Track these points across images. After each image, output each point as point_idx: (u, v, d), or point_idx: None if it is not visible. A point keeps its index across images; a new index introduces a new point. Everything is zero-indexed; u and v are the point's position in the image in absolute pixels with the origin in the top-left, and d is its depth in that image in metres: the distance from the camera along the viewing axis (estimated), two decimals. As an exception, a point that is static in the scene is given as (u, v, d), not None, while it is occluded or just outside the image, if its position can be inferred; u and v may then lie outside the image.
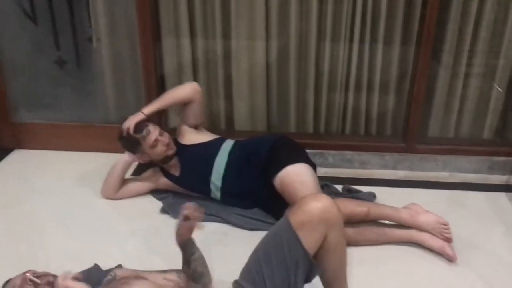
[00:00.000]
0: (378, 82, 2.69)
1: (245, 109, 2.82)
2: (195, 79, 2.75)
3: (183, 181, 2.40)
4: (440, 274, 1.95)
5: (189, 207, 1.62)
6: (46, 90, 2.88)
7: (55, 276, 1.48)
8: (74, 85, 2.87)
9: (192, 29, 2.66)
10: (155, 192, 2.48)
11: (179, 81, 2.69)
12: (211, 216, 2.26)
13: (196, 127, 2.48)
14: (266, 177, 2.24)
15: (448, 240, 2.05)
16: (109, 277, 1.61)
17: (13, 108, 2.90)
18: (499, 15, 2.51)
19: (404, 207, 2.14)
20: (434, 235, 2.06)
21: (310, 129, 2.83)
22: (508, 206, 2.42)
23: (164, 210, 2.36)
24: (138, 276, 1.61)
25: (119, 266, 1.89)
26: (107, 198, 2.44)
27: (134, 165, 2.61)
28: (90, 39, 2.74)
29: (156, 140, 2.30)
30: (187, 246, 1.68)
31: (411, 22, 2.56)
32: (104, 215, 2.35)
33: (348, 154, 2.73)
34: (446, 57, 2.61)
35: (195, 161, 2.37)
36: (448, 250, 2.02)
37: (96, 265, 1.93)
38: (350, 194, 2.46)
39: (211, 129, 2.62)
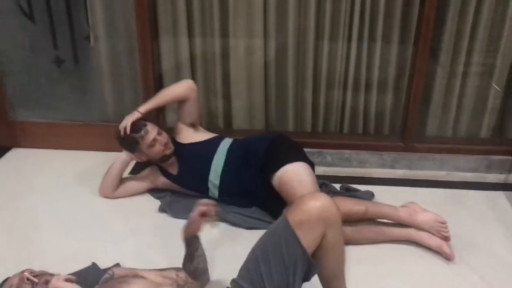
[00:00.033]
0: (376, 80, 2.69)
1: (243, 107, 2.82)
2: (193, 77, 2.75)
3: (181, 179, 2.40)
4: (438, 273, 1.96)
5: (206, 203, 1.61)
6: (44, 88, 2.88)
7: (52, 275, 1.48)
8: (72, 84, 2.87)
9: (190, 28, 2.66)
10: (153, 191, 2.48)
11: (177, 80, 2.68)
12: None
13: (192, 125, 2.48)
14: (264, 175, 2.23)
15: (446, 238, 2.06)
16: (107, 275, 1.61)
17: (11, 107, 2.90)
18: (497, 14, 2.51)
19: (402, 206, 2.14)
20: (432, 233, 2.06)
21: (308, 127, 2.83)
22: (506, 204, 2.43)
23: (162, 209, 2.35)
24: (136, 274, 1.61)
25: (117, 265, 1.89)
26: (105, 197, 2.43)
27: (132, 164, 2.61)
28: (87, 38, 2.74)
29: (154, 140, 2.29)
30: (193, 241, 1.68)
31: (409, 21, 2.56)
32: (102, 214, 2.35)
33: (346, 153, 2.73)
34: (444, 56, 2.61)
35: (193, 160, 2.37)
36: (446, 248, 2.02)
37: (94, 264, 1.93)
38: (348, 193, 2.46)
39: (209, 127, 2.62)
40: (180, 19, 2.62)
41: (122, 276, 1.57)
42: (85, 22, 2.70)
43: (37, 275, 1.47)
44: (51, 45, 2.76)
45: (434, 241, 2.05)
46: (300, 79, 2.73)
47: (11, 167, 2.78)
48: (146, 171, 2.50)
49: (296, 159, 2.22)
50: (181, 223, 2.21)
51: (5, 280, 1.52)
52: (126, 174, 2.51)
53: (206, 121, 2.84)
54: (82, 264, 1.91)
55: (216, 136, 2.45)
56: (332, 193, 2.44)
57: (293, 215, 1.45)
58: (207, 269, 1.77)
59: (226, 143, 2.40)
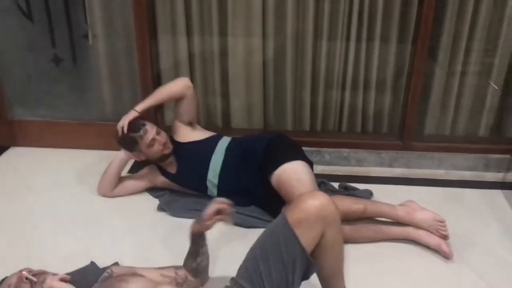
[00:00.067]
0: (374, 80, 2.69)
1: (241, 107, 2.82)
2: (192, 76, 2.74)
3: (180, 178, 2.40)
4: (437, 271, 1.96)
5: (223, 202, 1.61)
6: (42, 87, 2.87)
7: (50, 274, 1.48)
8: (70, 83, 2.86)
9: (188, 27, 2.65)
10: (152, 190, 2.48)
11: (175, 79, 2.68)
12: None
13: (190, 123, 2.47)
14: (262, 174, 2.23)
15: (445, 237, 2.06)
16: (105, 274, 1.61)
17: (9, 106, 2.89)
18: (495, 14, 2.51)
19: (401, 205, 2.15)
20: (430, 232, 2.07)
21: (307, 126, 2.83)
22: (504, 203, 2.43)
23: (160, 208, 2.35)
24: (134, 273, 1.61)
25: (116, 264, 1.89)
26: (103, 195, 2.43)
27: (131, 163, 2.60)
28: (86, 36, 2.73)
29: (153, 140, 2.29)
30: (200, 238, 1.69)
31: (407, 21, 2.56)
32: (100, 212, 2.34)
33: (345, 151, 2.73)
34: (443, 55, 2.61)
35: (191, 159, 2.37)
36: (444, 247, 2.02)
37: (92, 263, 1.92)
38: (347, 191, 2.46)
39: (207, 126, 2.62)
40: (179, 18, 2.62)
41: (121, 275, 1.57)
42: (84, 21, 2.69)
43: (36, 274, 1.47)
44: (49, 44, 2.75)
45: (432, 240, 2.05)
46: (298, 78, 2.73)
47: (9, 166, 2.77)
48: (144, 170, 2.50)
49: (294, 158, 2.22)
50: (179, 221, 2.25)
51: (3, 280, 1.51)
52: (124, 173, 2.51)
53: (205, 120, 2.84)
54: (80, 263, 1.91)
55: (214, 135, 2.45)
56: (330, 191, 2.44)
57: (292, 214, 1.45)
58: (208, 268, 1.77)
59: (224, 142, 2.40)
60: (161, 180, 2.43)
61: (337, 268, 1.58)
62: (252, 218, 2.24)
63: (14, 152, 2.91)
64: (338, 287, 1.61)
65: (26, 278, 1.44)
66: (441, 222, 2.07)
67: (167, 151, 2.34)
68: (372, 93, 2.73)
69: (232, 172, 2.31)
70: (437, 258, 2.03)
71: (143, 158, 2.37)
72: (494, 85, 2.66)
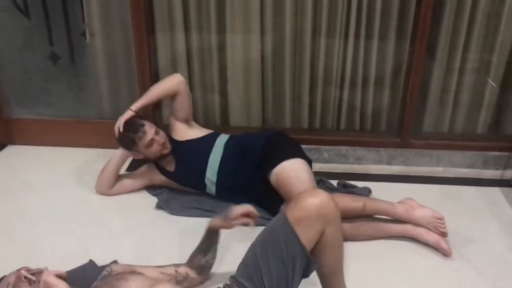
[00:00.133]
0: (373, 77, 2.69)
1: (240, 104, 2.81)
2: (190, 74, 2.74)
3: (178, 176, 2.39)
4: (436, 268, 1.96)
5: (251, 207, 1.64)
6: (39, 85, 2.86)
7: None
8: (68, 81, 2.85)
9: (186, 24, 2.65)
10: (150, 188, 2.47)
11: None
12: (206, 212, 2.26)
13: (186, 121, 2.46)
14: (261, 172, 2.23)
15: (443, 234, 2.06)
16: (104, 272, 1.61)
17: (6, 104, 2.88)
18: (493, 11, 2.51)
19: (400, 202, 2.15)
20: (429, 229, 2.07)
21: (305, 124, 2.83)
22: (502, 200, 2.44)
23: (159, 206, 2.35)
24: (133, 271, 1.61)
25: (115, 262, 1.88)
26: (102, 194, 2.43)
27: (129, 161, 2.60)
28: (83, 34, 2.72)
29: (152, 140, 2.28)
30: (216, 235, 1.71)
31: (406, 18, 2.55)
32: (98, 211, 2.34)
33: (343, 149, 2.73)
34: (441, 53, 2.61)
35: (189, 157, 2.36)
36: (443, 244, 2.03)
37: (91, 261, 1.92)
38: (346, 189, 2.46)
39: (205, 124, 2.61)
40: (177, 15, 2.61)
41: (120, 273, 1.57)
42: (81, 18, 2.68)
43: (34, 273, 1.46)
44: (46, 41, 2.74)
45: (431, 237, 2.06)
46: (297, 75, 2.72)
47: (6, 165, 2.76)
48: (143, 168, 2.49)
49: (293, 155, 2.21)
50: (178, 219, 2.25)
51: (1, 279, 1.51)
52: (123, 171, 2.51)
53: (203, 117, 2.83)
54: (79, 261, 1.91)
55: (212, 132, 2.45)
56: (329, 189, 2.44)
57: (292, 212, 1.45)
58: (212, 266, 1.78)
59: (222, 139, 2.39)
60: (159, 178, 2.42)
61: (337, 266, 1.58)
62: (251, 216, 2.24)
63: (11, 151, 2.90)
64: (338, 285, 1.61)
65: (25, 277, 1.44)
66: (440, 219, 2.07)
67: (165, 151, 2.33)
68: (371, 91, 2.73)
69: (231, 170, 2.30)
70: (436, 255, 2.03)
71: (141, 156, 2.36)
72: (492, 83, 2.67)
